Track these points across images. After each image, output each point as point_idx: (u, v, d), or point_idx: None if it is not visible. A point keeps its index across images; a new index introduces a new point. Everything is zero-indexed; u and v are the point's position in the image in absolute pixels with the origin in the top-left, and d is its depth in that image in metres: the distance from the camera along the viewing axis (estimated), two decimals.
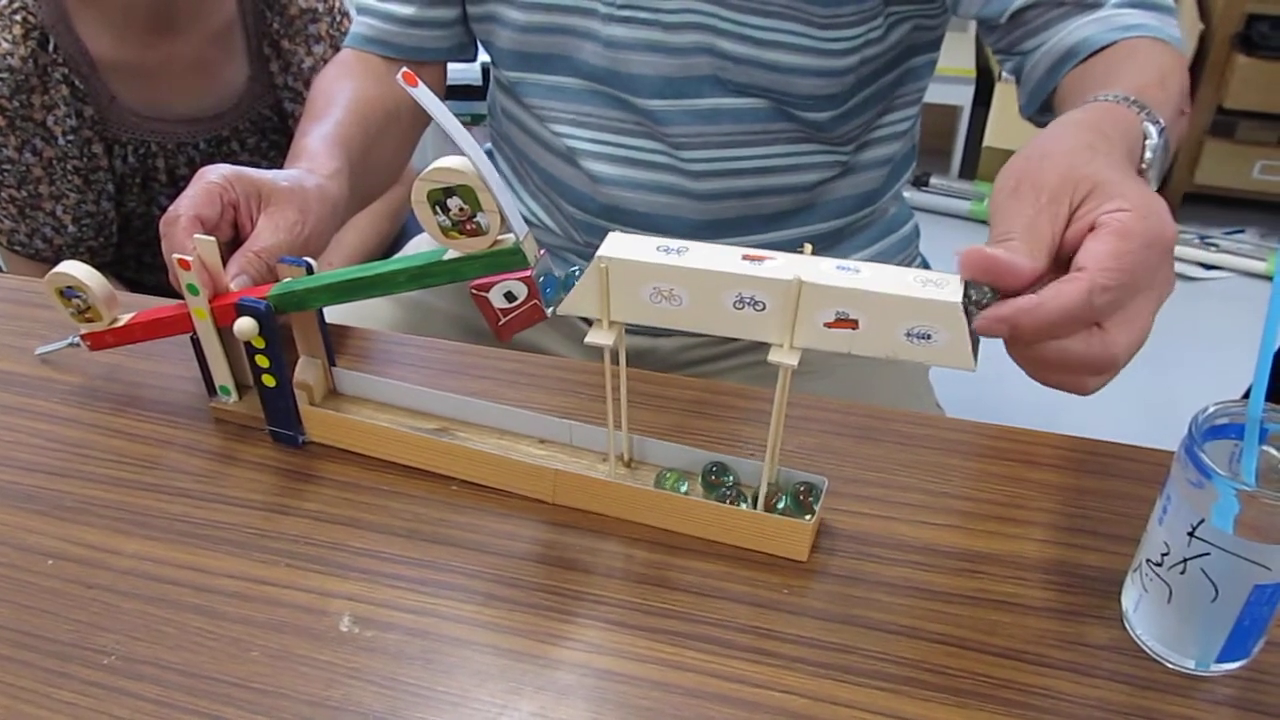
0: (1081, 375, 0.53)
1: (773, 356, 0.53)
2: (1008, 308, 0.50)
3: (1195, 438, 0.50)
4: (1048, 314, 0.49)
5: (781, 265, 0.52)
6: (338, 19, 1.14)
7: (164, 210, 1.07)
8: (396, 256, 1.09)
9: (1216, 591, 0.50)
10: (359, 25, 0.96)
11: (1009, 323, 0.50)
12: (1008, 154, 2.48)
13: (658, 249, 0.54)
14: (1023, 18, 0.80)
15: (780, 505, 0.60)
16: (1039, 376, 0.54)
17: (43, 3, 1.01)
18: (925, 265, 1.08)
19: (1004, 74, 2.22)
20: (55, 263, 0.68)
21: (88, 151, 1.07)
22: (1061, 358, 0.51)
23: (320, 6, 1.12)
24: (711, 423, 0.70)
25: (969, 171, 2.63)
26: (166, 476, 0.66)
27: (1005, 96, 2.47)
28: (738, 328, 0.53)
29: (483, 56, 0.99)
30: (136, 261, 1.19)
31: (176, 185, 1.12)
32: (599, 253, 0.54)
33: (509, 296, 0.57)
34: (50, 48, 1.02)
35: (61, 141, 1.04)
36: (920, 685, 0.53)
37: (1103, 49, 0.75)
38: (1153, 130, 0.61)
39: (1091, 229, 0.52)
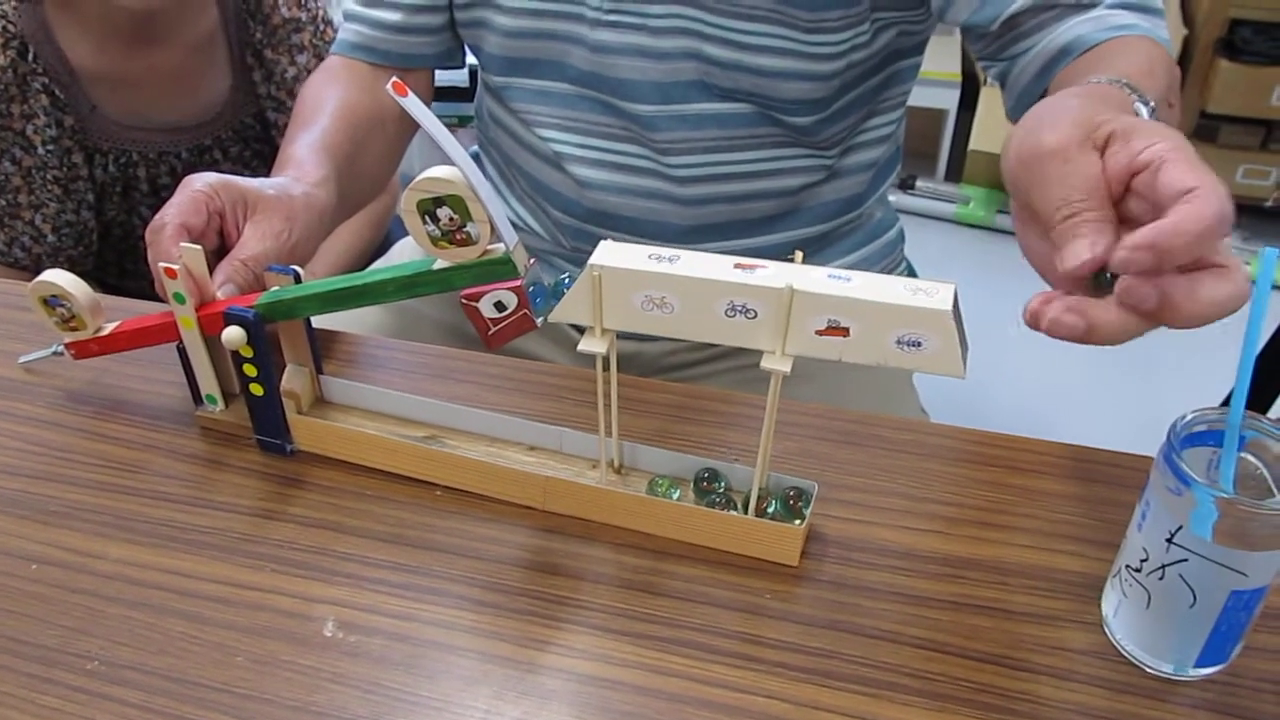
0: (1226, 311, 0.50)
1: (765, 363, 0.53)
2: (1146, 232, 0.47)
3: (1174, 445, 0.50)
4: (1191, 231, 0.47)
5: (773, 273, 0.52)
6: (321, 28, 1.13)
7: (145, 219, 1.06)
8: (387, 265, 1.09)
9: (1194, 597, 0.51)
10: (346, 32, 0.96)
11: (1153, 247, 0.47)
12: (993, 157, 2.50)
13: (649, 257, 0.54)
14: (1015, 22, 0.80)
15: (771, 510, 0.60)
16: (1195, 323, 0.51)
17: (22, 12, 1.01)
18: (910, 271, 1.09)
19: (989, 79, 2.22)
20: (34, 271, 0.68)
21: (67, 161, 1.06)
22: (1211, 308, 0.49)
23: (304, 16, 1.12)
24: (695, 428, 0.70)
25: (954, 175, 2.64)
26: (151, 481, 0.66)
27: (990, 100, 2.48)
28: (729, 335, 0.54)
29: (470, 59, 0.99)
30: (118, 268, 1.19)
31: (158, 194, 1.12)
32: (591, 260, 0.54)
33: (499, 306, 0.57)
34: (30, 57, 1.01)
35: (41, 151, 1.04)
36: (901, 690, 0.54)
37: (1094, 47, 0.75)
38: (1143, 110, 0.61)
39: (1139, 171, 0.51)
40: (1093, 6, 0.77)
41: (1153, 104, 0.62)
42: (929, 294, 0.51)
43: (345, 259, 1.19)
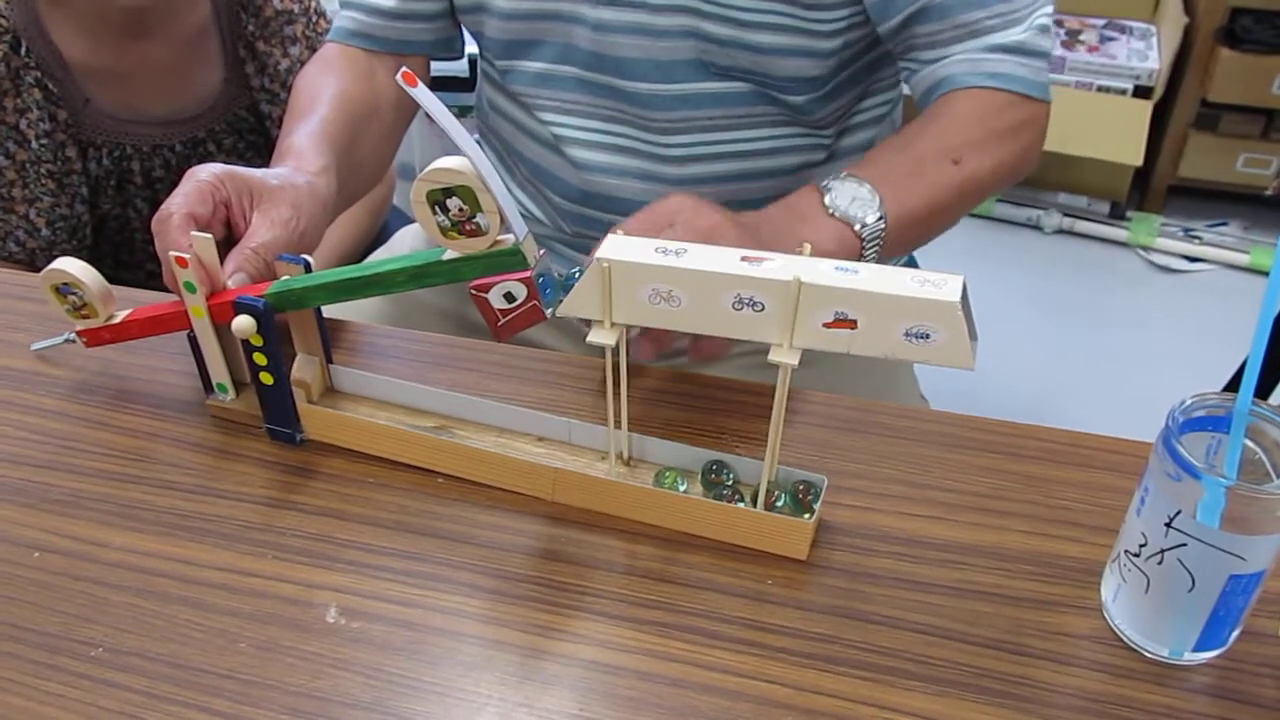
0: None
1: (773, 356, 0.53)
2: None
3: (1173, 430, 0.50)
4: None
5: (780, 266, 0.52)
6: (314, 20, 1.13)
7: (140, 213, 1.05)
8: (388, 255, 1.09)
9: (1193, 582, 0.51)
10: (342, 19, 0.96)
11: None
12: None
13: (656, 250, 0.54)
14: (910, 31, 0.83)
15: (780, 503, 0.60)
16: None
17: (15, 6, 1.00)
18: (910, 259, 1.09)
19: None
20: (29, 266, 0.68)
21: (61, 155, 1.06)
22: None
23: (296, 8, 1.11)
24: (695, 415, 0.70)
25: None
26: (156, 470, 0.67)
27: None
28: (737, 328, 0.54)
29: (470, 48, 0.99)
30: (113, 260, 1.18)
31: (152, 188, 1.12)
32: (598, 254, 0.54)
33: (508, 297, 0.57)
34: (22, 51, 1.01)
35: (34, 145, 1.04)
36: (902, 675, 0.54)
37: (955, 90, 0.81)
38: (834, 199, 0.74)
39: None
40: (979, 35, 0.81)
41: (875, 216, 0.74)
42: (937, 285, 0.50)
43: (344, 248, 1.19)
